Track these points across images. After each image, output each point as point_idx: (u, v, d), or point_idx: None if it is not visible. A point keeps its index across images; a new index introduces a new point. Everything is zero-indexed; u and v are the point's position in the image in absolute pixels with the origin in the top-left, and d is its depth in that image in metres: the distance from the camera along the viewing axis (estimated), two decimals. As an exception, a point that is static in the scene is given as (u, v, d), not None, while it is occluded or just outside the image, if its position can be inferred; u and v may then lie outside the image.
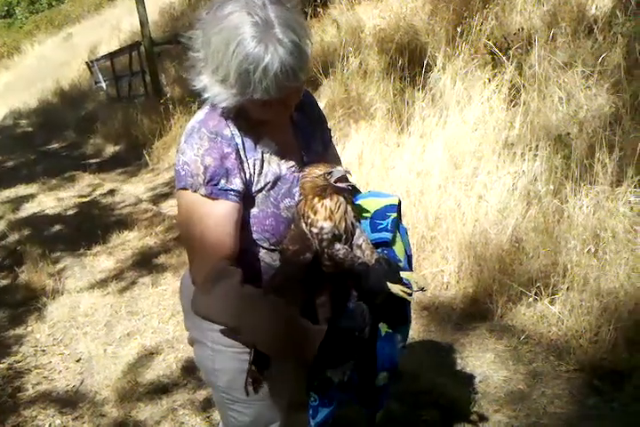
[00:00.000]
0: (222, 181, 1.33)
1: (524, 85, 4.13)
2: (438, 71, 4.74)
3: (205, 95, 1.32)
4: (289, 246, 1.39)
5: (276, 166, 1.43)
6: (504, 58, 4.33)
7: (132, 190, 6.88)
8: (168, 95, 8.42)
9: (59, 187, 7.52)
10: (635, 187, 3.16)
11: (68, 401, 2.97)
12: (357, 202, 1.54)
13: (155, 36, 9.03)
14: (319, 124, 1.61)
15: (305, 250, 1.36)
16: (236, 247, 1.38)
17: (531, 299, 3.06)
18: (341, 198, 1.38)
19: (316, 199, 1.36)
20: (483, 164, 3.84)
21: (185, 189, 1.37)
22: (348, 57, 5.55)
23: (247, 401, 1.55)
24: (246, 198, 1.40)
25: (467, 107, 4.33)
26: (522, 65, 4.28)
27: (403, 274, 1.42)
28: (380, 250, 1.47)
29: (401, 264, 1.49)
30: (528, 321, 3.05)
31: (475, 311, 3.24)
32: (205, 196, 1.34)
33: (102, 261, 4.75)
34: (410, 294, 1.40)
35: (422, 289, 1.44)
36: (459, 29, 4.77)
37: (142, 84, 10.20)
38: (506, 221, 3.39)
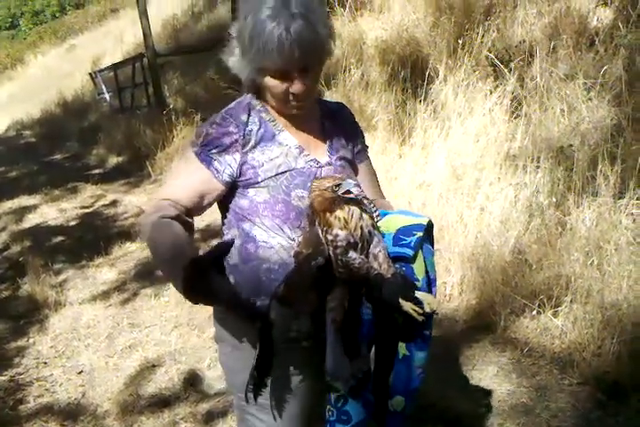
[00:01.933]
0: (214, 151, 1.45)
1: (525, 97, 4.14)
2: (440, 83, 4.75)
3: (234, 71, 1.47)
4: (302, 250, 1.38)
5: (293, 160, 1.48)
6: (505, 70, 4.34)
7: (134, 201, 6.88)
8: (171, 106, 8.43)
9: (61, 198, 7.52)
10: (637, 199, 3.16)
11: (70, 414, 2.96)
12: (384, 217, 1.53)
13: (158, 47, 9.09)
14: (353, 136, 1.64)
15: (317, 254, 1.35)
16: (184, 203, 1.47)
17: (534, 311, 3.05)
18: (353, 207, 1.36)
19: (328, 214, 1.36)
20: (485, 175, 3.85)
21: (188, 143, 1.53)
22: (350, 68, 5.58)
23: (262, 405, 1.54)
24: (254, 184, 1.46)
25: (468, 118, 4.34)
26: (523, 77, 4.30)
27: (418, 293, 1.40)
28: (397, 265, 1.44)
29: (418, 284, 1.46)
30: (531, 334, 3.04)
31: (478, 324, 3.23)
32: (195, 154, 1.47)
33: (104, 272, 4.75)
34: (421, 314, 1.38)
35: (434, 312, 1.42)
36: (460, 41, 4.78)
37: (145, 96, 10.24)
38: (508, 233, 3.39)
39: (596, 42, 4.24)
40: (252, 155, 1.46)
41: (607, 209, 3.15)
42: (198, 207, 1.49)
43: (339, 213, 1.35)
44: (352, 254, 1.36)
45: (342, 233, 1.35)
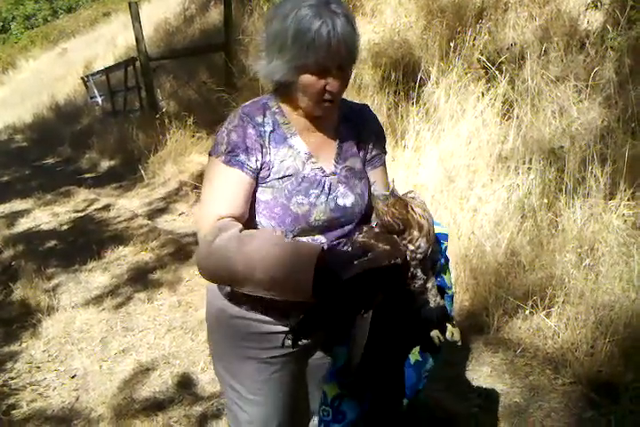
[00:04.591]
0: (242, 155, 1.45)
1: (517, 99, 4.17)
2: (432, 85, 4.77)
3: (262, 74, 1.47)
4: (377, 244, 1.33)
5: (300, 164, 1.49)
6: (497, 72, 4.37)
7: (127, 205, 6.87)
8: (163, 110, 8.43)
9: (54, 202, 7.50)
10: (628, 200, 3.19)
11: (63, 418, 2.95)
12: None
13: (150, 51, 9.04)
14: (369, 141, 1.63)
15: (397, 254, 1.31)
16: (238, 213, 1.44)
17: (527, 312, 3.06)
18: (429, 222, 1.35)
19: (418, 216, 1.34)
20: (477, 177, 3.86)
21: (211, 155, 1.50)
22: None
23: (248, 398, 1.59)
24: (262, 183, 1.47)
25: (460, 121, 4.35)
26: (514, 79, 4.32)
27: (448, 324, 1.45)
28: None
29: (449, 291, 1.55)
30: (524, 334, 3.05)
31: (471, 325, 3.24)
32: (224, 163, 1.45)
33: (97, 276, 4.73)
34: (440, 342, 1.44)
35: (456, 343, 1.48)
36: (452, 44, 4.81)
37: (138, 99, 10.21)
38: (501, 234, 3.40)
39: (587, 44, 4.28)
40: (269, 155, 1.47)
41: (598, 210, 3.17)
42: (247, 211, 1.47)
43: (421, 220, 1.34)
44: (419, 273, 1.36)
45: (424, 246, 1.33)
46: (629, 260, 2.97)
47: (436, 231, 1.55)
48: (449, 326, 1.46)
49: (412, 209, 1.33)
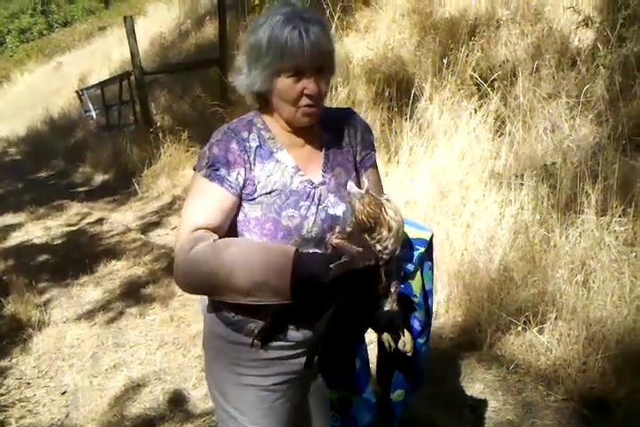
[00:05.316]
0: (222, 169, 1.45)
1: (509, 116, 4.20)
2: (425, 101, 4.81)
3: (243, 88, 1.50)
4: (351, 246, 1.36)
5: (288, 178, 1.49)
6: (489, 89, 4.40)
7: (120, 219, 6.86)
8: (158, 124, 8.46)
9: (46, 216, 7.47)
10: (619, 216, 3.20)
11: (53, 435, 2.92)
12: None
13: (145, 65, 9.08)
14: (355, 144, 1.62)
15: (371, 256, 1.34)
16: (214, 224, 1.45)
17: (519, 328, 3.07)
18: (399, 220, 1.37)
19: (389, 217, 1.35)
20: (470, 193, 3.88)
21: (195, 169, 1.52)
22: (336, 87, 5.63)
23: (237, 418, 1.56)
24: (250, 200, 1.48)
25: (453, 137, 4.38)
26: (507, 96, 4.36)
27: (405, 332, 1.48)
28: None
29: (415, 299, 1.56)
30: (517, 350, 3.05)
31: (463, 341, 3.24)
32: (204, 177, 1.46)
33: (89, 291, 4.71)
34: (392, 349, 1.48)
35: (406, 353, 1.50)
36: (445, 61, 4.85)
37: (132, 113, 10.23)
38: (494, 250, 3.41)
39: (578, 62, 4.32)
40: (253, 171, 1.47)
41: (590, 226, 3.19)
42: (225, 226, 1.48)
43: (390, 222, 1.35)
44: (382, 272, 1.38)
45: (392, 247, 1.35)
46: (621, 276, 2.98)
47: (416, 236, 1.57)
48: (405, 334, 1.47)
49: (385, 210, 1.35)
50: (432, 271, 1.67)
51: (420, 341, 1.62)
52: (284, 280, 1.29)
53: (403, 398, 1.64)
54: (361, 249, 1.33)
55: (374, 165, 1.68)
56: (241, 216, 1.49)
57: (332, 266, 1.29)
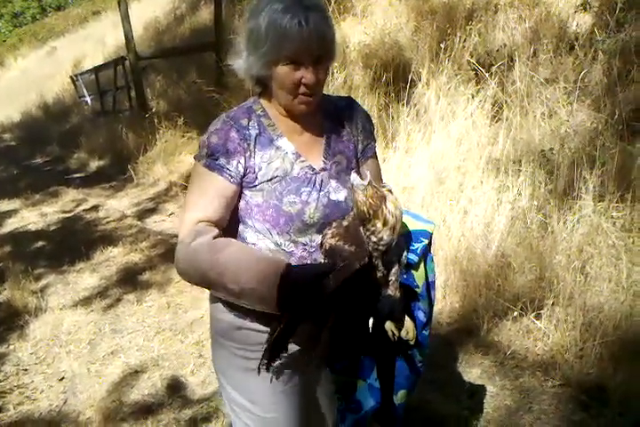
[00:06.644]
0: (222, 159, 1.46)
1: (506, 101, 4.18)
2: (422, 87, 4.77)
3: (241, 71, 1.49)
4: (345, 246, 1.37)
5: (289, 165, 1.49)
6: (487, 74, 4.37)
7: (116, 206, 6.84)
8: (153, 110, 8.40)
9: (42, 202, 7.45)
10: (616, 202, 3.20)
11: (51, 422, 2.92)
12: None
13: (140, 50, 9.00)
14: (356, 133, 1.61)
15: (364, 254, 1.35)
16: (215, 218, 1.47)
17: (516, 314, 3.07)
18: (397, 210, 1.37)
19: (387, 211, 1.35)
20: (467, 179, 3.87)
21: (195, 159, 1.52)
22: (333, 72, 5.58)
23: (265, 415, 1.56)
24: (251, 187, 1.48)
25: (451, 122, 4.36)
26: (504, 81, 4.33)
27: (407, 319, 1.48)
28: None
29: (418, 290, 1.55)
30: (514, 336, 3.05)
31: (461, 327, 3.24)
32: (204, 166, 1.48)
33: (86, 277, 4.70)
34: (395, 338, 1.48)
35: (407, 341, 1.51)
36: (442, 46, 4.82)
37: (127, 99, 10.17)
38: (491, 235, 3.41)
39: (576, 46, 4.29)
40: (253, 159, 1.47)
41: (588, 212, 3.18)
42: (226, 216, 1.49)
43: (387, 215, 1.35)
44: (379, 262, 1.38)
45: (387, 238, 1.36)
46: (618, 262, 2.98)
47: (419, 228, 1.56)
48: (407, 322, 1.47)
49: (385, 204, 1.35)
50: (433, 262, 1.66)
51: (425, 333, 1.61)
52: (270, 291, 1.30)
53: (405, 399, 1.63)
54: (354, 248, 1.34)
55: (374, 156, 1.68)
56: (242, 203, 1.49)
57: (330, 276, 1.29)
